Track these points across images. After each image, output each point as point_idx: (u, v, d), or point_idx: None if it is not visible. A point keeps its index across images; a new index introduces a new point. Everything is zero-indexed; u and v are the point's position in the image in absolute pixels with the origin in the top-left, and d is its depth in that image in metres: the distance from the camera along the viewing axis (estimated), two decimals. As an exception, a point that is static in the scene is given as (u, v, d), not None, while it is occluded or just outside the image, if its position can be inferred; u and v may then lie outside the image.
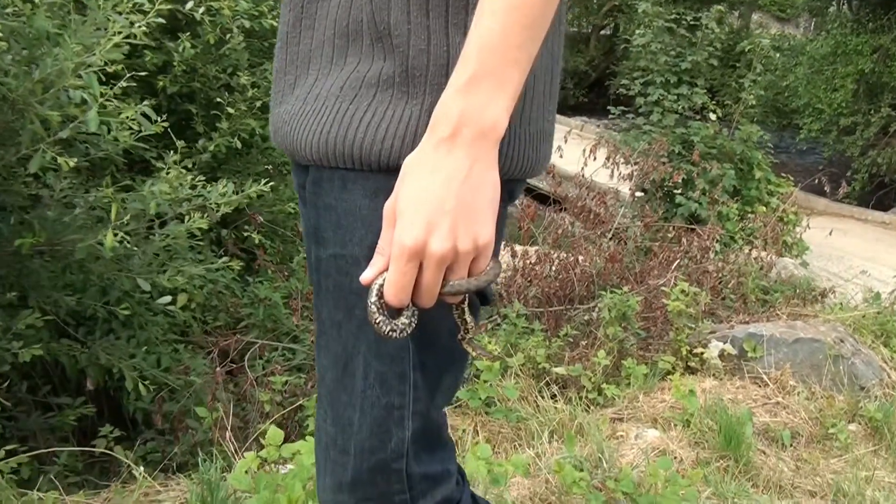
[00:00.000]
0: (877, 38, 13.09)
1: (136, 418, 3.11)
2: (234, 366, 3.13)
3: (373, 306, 0.82)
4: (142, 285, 2.70)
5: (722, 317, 3.78)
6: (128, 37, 2.32)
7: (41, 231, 2.42)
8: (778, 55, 13.81)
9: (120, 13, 2.42)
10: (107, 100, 2.39)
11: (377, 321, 0.83)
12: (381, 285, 0.82)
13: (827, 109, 13.35)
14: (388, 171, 0.85)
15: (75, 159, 2.09)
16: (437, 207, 0.77)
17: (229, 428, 2.41)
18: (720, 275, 4.21)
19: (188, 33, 4.28)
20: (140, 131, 2.61)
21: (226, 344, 3.04)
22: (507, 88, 0.79)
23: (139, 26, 2.41)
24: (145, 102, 2.52)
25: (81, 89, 2.19)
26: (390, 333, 0.83)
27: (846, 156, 13.31)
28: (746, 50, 7.52)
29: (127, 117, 2.46)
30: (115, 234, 2.26)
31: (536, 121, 0.97)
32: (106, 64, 2.24)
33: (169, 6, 4.53)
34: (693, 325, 3.34)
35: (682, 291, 3.30)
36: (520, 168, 0.95)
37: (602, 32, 24.30)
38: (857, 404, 3.02)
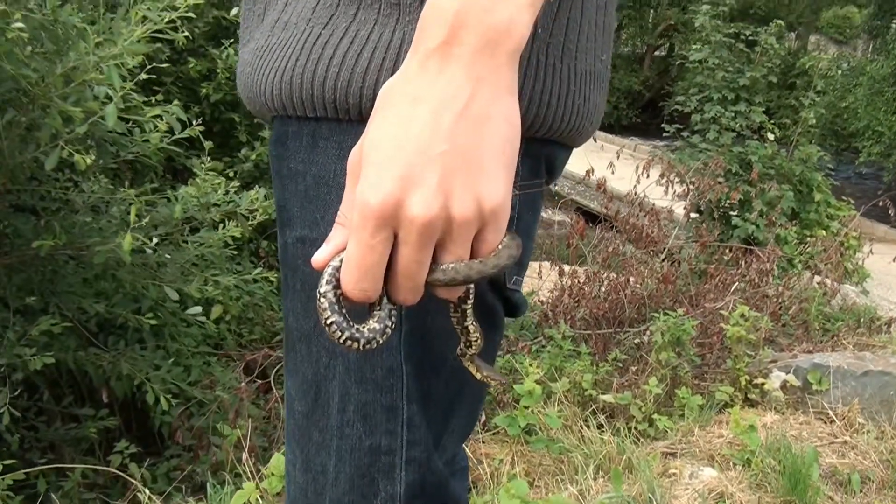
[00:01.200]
0: (941, 58, 12.71)
1: (163, 432, 3.00)
2: (261, 382, 2.98)
3: (323, 300, 0.57)
4: (169, 294, 2.59)
5: (782, 345, 3.55)
6: (158, 31, 2.21)
7: (62, 234, 2.32)
8: (839, 72, 13.45)
9: (151, 9, 2.31)
10: (130, 98, 2.28)
11: (329, 322, 0.57)
12: (338, 268, 0.57)
13: (887, 132, 12.95)
14: None
15: (92, 157, 1.97)
16: (420, 151, 0.52)
17: (246, 449, 2.25)
18: (780, 300, 3.97)
19: (232, 40, 4.22)
20: (173, 134, 2.52)
21: (252, 358, 2.90)
22: None
23: (169, 21, 2.30)
24: (174, 103, 2.40)
25: (104, 84, 2.08)
26: (349, 343, 0.57)
27: (909, 180, 12.90)
28: (807, 67, 7.26)
29: (155, 117, 2.34)
30: (136, 239, 2.13)
31: (585, 54, 0.72)
32: (138, 67, 2.13)
33: (214, 12, 4.48)
34: (753, 354, 3.12)
35: (742, 316, 3.08)
36: (562, 121, 0.69)
37: (656, 53, 24.02)
38: (931, 446, 2.77)
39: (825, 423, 2.87)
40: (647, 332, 3.37)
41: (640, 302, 3.76)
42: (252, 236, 4.19)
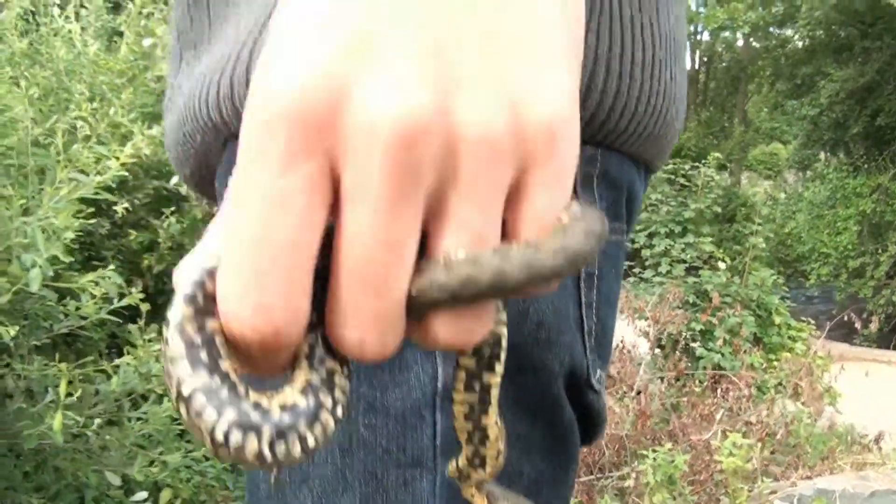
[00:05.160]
0: (874, 178, 13.16)
1: None
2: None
3: (174, 341, 0.27)
4: (111, 480, 2.37)
5: (776, 473, 3.36)
6: (95, 195, 2.11)
7: (-8, 424, 2.11)
8: (781, 196, 13.89)
9: (84, 172, 2.21)
10: (62, 266, 2.14)
11: (187, 392, 0.27)
12: (211, 273, 0.28)
13: (833, 253, 13.24)
14: None
15: (16, 328, 1.80)
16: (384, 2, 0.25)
17: None
18: (764, 425, 3.82)
19: (173, 209, 4.14)
20: (112, 303, 2.37)
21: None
22: None
23: (100, 185, 2.20)
24: (110, 268, 2.26)
25: (30, 251, 1.93)
26: (235, 439, 0.27)
27: (859, 298, 13.06)
28: (748, 196, 7.48)
29: (89, 282, 2.19)
30: (71, 420, 1.94)
31: (667, 7, 0.49)
32: (73, 241, 2.01)
33: (154, 183, 4.43)
34: (749, 487, 2.93)
35: (735, 445, 2.90)
36: (648, 105, 0.46)
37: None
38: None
39: (837, 554, 2.68)
40: (634, 474, 3.15)
41: (618, 443, 3.58)
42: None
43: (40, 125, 2.59)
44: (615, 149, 0.47)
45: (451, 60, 0.25)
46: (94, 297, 2.22)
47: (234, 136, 0.48)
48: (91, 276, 2.17)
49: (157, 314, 3.38)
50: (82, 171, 2.24)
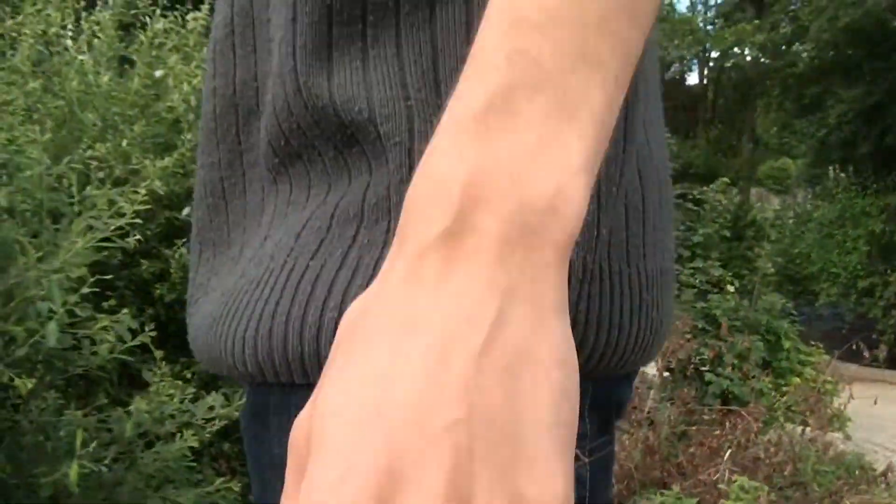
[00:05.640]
0: (883, 198, 13.13)
1: None
2: None
3: None
4: (124, 518, 2.39)
5: (783, 511, 3.37)
6: (103, 240, 2.14)
7: (7, 465, 2.15)
8: (790, 221, 13.85)
9: (97, 217, 2.25)
10: (76, 311, 2.17)
11: None
12: None
13: (842, 273, 13.19)
14: None
15: (33, 381, 1.83)
16: (414, 422, 0.29)
17: None
18: (771, 461, 3.81)
19: (185, 239, 4.18)
20: (125, 342, 2.40)
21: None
22: (580, 116, 0.33)
23: (116, 228, 2.24)
24: (124, 311, 2.29)
25: (46, 300, 1.97)
26: None
27: (869, 318, 13.00)
28: (756, 218, 7.47)
29: (103, 328, 2.22)
30: (85, 468, 1.97)
31: (654, 246, 0.52)
32: (88, 276, 2.04)
33: (166, 213, 4.47)
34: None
35: (742, 489, 2.90)
36: (636, 345, 0.49)
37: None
38: None
39: None
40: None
41: (627, 477, 3.58)
42: (213, 439, 3.99)
43: (54, 164, 2.63)
44: (603, 378, 0.49)
45: (470, 482, 0.29)
46: (109, 342, 2.25)
47: (254, 383, 0.51)
48: (105, 320, 2.20)
49: (168, 342, 3.41)
50: (96, 217, 2.27)
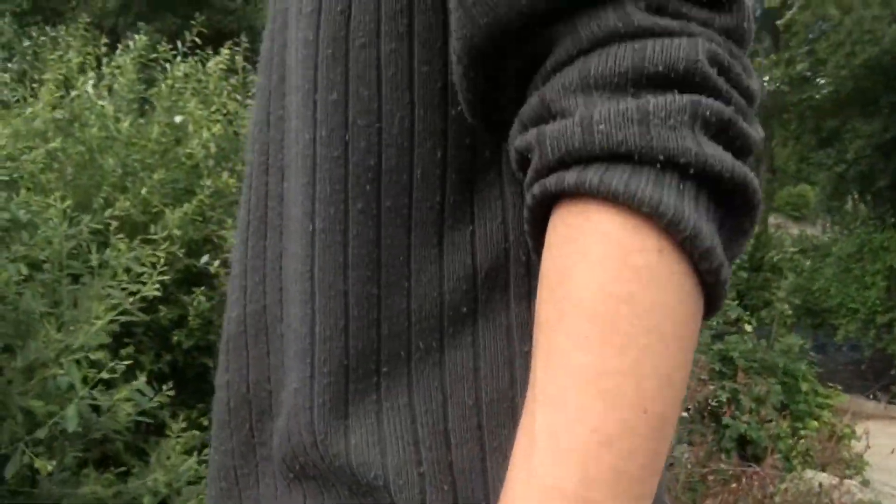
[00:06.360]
0: (901, 232, 13.04)
1: None
2: None
3: None
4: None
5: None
6: (122, 313, 2.16)
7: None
8: (806, 263, 13.76)
9: (116, 285, 2.27)
10: (96, 384, 2.19)
11: None
12: None
13: (861, 308, 13.07)
14: None
15: (53, 464, 1.85)
16: None
17: None
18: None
19: (203, 286, 4.20)
20: (146, 399, 2.41)
21: None
22: None
23: (135, 293, 2.26)
24: (141, 380, 2.31)
25: (65, 376, 1.99)
26: None
27: (888, 353, 12.87)
28: (774, 260, 7.43)
29: (121, 399, 2.24)
30: (102, 541, 1.98)
31: None
32: (99, 347, 2.06)
33: (185, 261, 4.49)
34: None
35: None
36: None
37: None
38: None
39: None
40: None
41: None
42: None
43: (73, 218, 2.64)
44: None
45: None
46: (121, 407, 2.26)
47: None
48: (124, 390, 2.22)
49: (186, 388, 3.42)
50: (115, 286, 2.29)
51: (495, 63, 0.44)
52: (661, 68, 0.39)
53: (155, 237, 2.85)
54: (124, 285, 2.33)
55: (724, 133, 0.41)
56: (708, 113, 0.39)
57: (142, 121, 4.16)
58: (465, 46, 0.43)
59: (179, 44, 4.46)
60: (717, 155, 0.40)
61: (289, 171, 0.55)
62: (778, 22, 14.43)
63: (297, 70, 0.51)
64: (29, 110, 3.76)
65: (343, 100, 0.48)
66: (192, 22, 4.57)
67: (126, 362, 2.24)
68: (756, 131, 0.43)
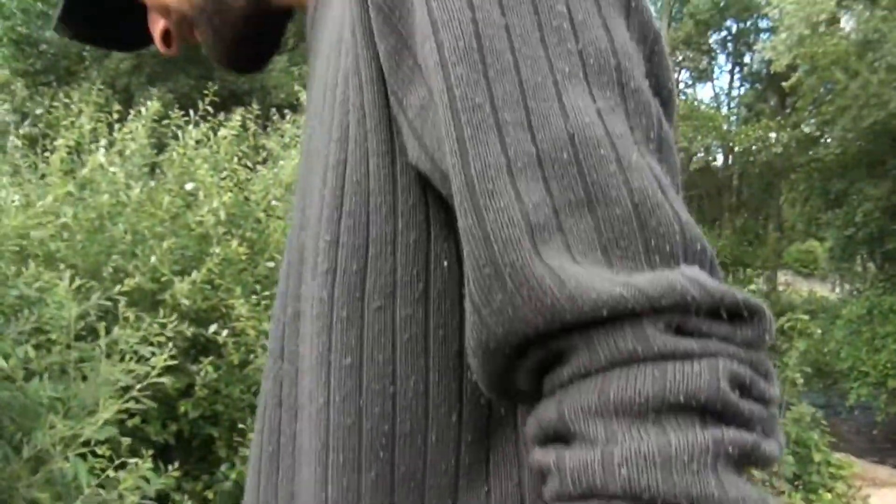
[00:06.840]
0: (910, 295, 12.98)
1: None
2: None
3: None
4: None
5: None
6: (128, 400, 2.15)
7: None
8: (818, 331, 13.69)
9: (124, 369, 2.26)
10: (102, 470, 2.17)
11: None
12: None
13: (872, 371, 12.95)
14: None
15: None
16: None
17: None
18: None
19: (211, 357, 4.17)
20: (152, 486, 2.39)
21: None
22: None
23: (142, 378, 2.25)
24: (147, 465, 2.28)
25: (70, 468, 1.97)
26: None
27: (900, 418, 12.74)
28: (785, 328, 7.38)
29: (127, 489, 2.22)
30: None
31: None
32: (102, 442, 2.04)
33: (192, 330, 4.47)
34: None
35: None
36: None
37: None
38: None
39: None
40: None
41: None
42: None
43: (83, 290, 2.64)
44: None
45: None
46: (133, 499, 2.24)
47: None
48: (130, 478, 2.19)
49: (191, 456, 3.38)
50: (123, 371, 2.28)
51: (510, 361, 0.44)
52: (682, 399, 0.39)
53: (163, 318, 2.84)
54: (132, 367, 2.32)
55: (746, 458, 0.41)
56: (731, 449, 0.40)
57: (152, 183, 4.16)
58: (479, 346, 0.44)
59: (192, 112, 4.49)
60: (740, 495, 0.40)
61: (301, 414, 0.55)
62: (784, 84, 14.54)
63: (312, 326, 0.52)
64: (40, 177, 3.77)
65: (357, 363, 0.49)
66: (205, 90, 4.60)
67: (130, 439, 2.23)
68: (777, 441, 0.43)
